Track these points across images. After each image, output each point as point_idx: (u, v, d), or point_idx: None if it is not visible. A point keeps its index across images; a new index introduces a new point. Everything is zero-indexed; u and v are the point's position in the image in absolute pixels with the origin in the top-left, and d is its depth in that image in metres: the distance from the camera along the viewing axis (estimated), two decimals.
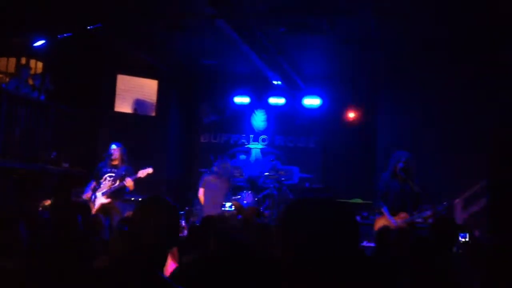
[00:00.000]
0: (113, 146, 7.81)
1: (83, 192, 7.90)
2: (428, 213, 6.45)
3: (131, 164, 7.87)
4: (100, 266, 3.00)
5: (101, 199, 7.58)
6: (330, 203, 1.49)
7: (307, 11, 7.17)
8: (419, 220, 6.63)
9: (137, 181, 7.75)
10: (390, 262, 2.78)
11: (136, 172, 7.67)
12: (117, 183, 7.61)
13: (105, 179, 7.70)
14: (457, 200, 9.15)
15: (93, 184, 7.73)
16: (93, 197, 7.60)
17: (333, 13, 7.27)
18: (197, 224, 5.96)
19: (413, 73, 9.91)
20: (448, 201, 6.56)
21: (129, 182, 7.54)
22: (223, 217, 5.24)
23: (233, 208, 8.91)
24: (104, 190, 7.60)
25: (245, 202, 9.18)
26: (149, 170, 7.67)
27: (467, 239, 6.62)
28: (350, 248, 1.42)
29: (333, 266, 1.39)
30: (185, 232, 8.37)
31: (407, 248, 3.01)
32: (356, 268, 1.42)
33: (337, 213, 1.46)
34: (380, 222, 6.52)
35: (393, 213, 6.50)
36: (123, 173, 7.69)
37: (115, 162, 7.77)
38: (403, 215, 6.45)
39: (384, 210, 6.54)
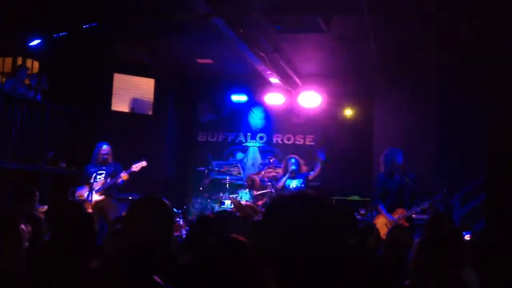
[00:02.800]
0: (104, 146, 7.87)
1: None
2: (426, 205, 6.48)
3: (117, 161, 7.92)
4: (95, 267, 2.99)
5: (94, 197, 7.59)
6: (311, 199, 1.47)
7: (303, 9, 7.15)
8: (416, 214, 6.66)
9: (134, 179, 7.75)
10: (383, 259, 2.78)
11: (128, 167, 7.71)
12: (109, 179, 7.65)
13: (95, 177, 7.69)
14: (454, 198, 9.16)
15: (85, 188, 7.70)
16: (89, 196, 7.58)
17: (329, 11, 7.26)
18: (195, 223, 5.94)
19: (410, 71, 9.91)
20: (445, 190, 6.56)
21: (124, 176, 7.56)
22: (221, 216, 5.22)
23: (232, 206, 8.90)
24: (97, 187, 7.63)
25: (243, 200, 9.18)
26: (143, 163, 7.70)
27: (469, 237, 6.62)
28: (333, 245, 1.41)
29: (314, 264, 1.38)
30: (183, 231, 8.37)
31: (404, 245, 3.01)
32: (340, 266, 1.40)
33: (317, 210, 1.45)
34: (379, 220, 6.54)
35: (391, 210, 6.52)
36: (113, 169, 7.74)
37: (105, 161, 7.80)
38: (400, 210, 6.47)
39: (381, 208, 6.55)
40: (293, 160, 8.72)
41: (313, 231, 1.41)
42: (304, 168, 8.73)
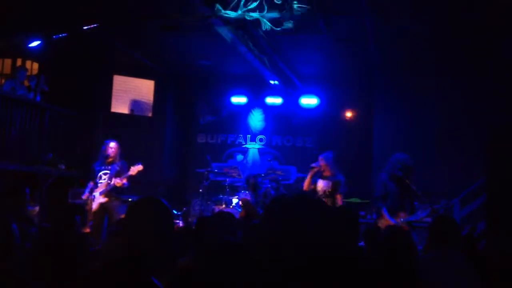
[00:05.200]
0: (111, 144, 7.76)
1: (81, 194, 7.87)
2: (427, 211, 6.48)
3: (124, 160, 7.84)
4: (95, 268, 2.97)
5: (99, 199, 7.56)
6: (312, 201, 1.46)
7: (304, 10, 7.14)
8: (418, 218, 6.65)
9: (134, 180, 7.71)
10: (382, 261, 2.77)
11: (129, 168, 7.66)
12: (113, 180, 7.58)
13: (100, 177, 7.65)
14: (454, 200, 9.14)
15: (91, 185, 7.70)
16: (92, 197, 7.57)
17: (329, 13, 7.25)
18: (191, 225, 5.92)
19: (409, 73, 9.91)
20: (446, 199, 6.56)
21: (117, 183, 7.49)
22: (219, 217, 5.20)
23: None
24: (101, 190, 7.57)
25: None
26: (139, 167, 7.63)
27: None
28: (331, 245, 1.39)
29: (312, 264, 1.36)
30: None
31: (403, 247, 3.00)
32: (338, 266, 1.39)
33: (317, 211, 1.43)
34: (381, 223, 6.51)
35: (392, 213, 6.50)
36: (118, 168, 7.65)
37: (111, 160, 7.73)
38: (402, 214, 6.45)
39: (383, 211, 6.51)
40: (328, 156, 7.43)
41: (312, 232, 1.39)
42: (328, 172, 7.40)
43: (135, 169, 7.60)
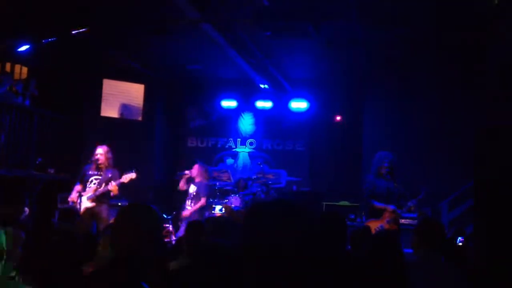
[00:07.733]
0: (99, 150, 7.70)
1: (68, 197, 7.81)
2: (410, 204, 6.58)
3: (116, 167, 7.77)
4: (87, 272, 2.98)
5: (86, 203, 7.48)
6: (290, 206, 1.48)
7: (293, 15, 7.19)
8: (404, 213, 6.76)
9: (123, 185, 7.65)
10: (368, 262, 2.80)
11: (121, 176, 7.57)
12: (103, 186, 7.50)
13: (91, 182, 7.58)
14: (442, 203, 9.23)
15: (79, 187, 7.62)
16: (79, 201, 7.49)
17: (318, 17, 7.30)
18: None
19: (398, 76, 9.99)
20: (427, 189, 6.66)
21: (112, 187, 7.41)
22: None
23: (223, 211, 8.87)
24: (89, 194, 7.50)
25: (232, 206, 9.17)
26: (132, 175, 7.52)
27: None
28: (314, 250, 1.42)
29: (294, 269, 1.39)
30: (172, 237, 8.33)
31: (391, 249, 3.04)
32: (323, 269, 1.41)
33: (294, 216, 1.46)
34: (371, 224, 6.56)
35: (380, 213, 6.55)
36: (109, 175, 7.57)
37: (101, 165, 7.66)
38: (387, 215, 6.51)
39: (376, 204, 6.53)
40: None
41: (289, 236, 1.42)
42: None
43: (127, 177, 7.48)
